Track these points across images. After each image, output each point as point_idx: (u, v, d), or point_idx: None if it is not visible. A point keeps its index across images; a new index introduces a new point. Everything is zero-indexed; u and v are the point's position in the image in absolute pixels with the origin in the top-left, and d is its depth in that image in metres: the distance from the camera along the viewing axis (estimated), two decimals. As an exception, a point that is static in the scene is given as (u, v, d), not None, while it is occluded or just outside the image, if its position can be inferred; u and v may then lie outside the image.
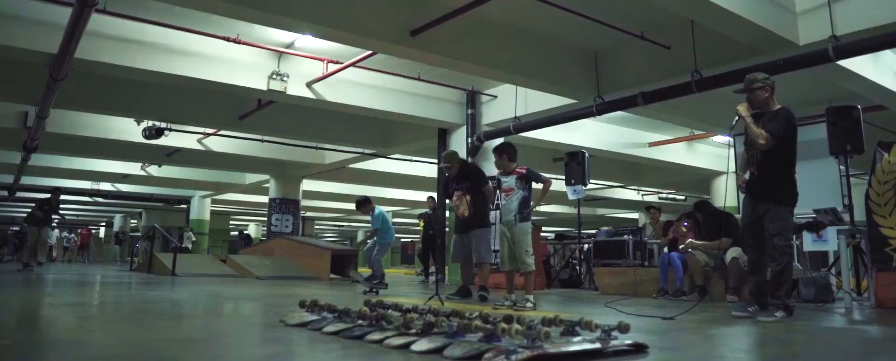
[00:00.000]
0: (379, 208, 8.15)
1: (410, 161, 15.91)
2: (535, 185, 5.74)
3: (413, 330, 2.79)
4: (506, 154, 5.77)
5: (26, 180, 18.92)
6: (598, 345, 2.47)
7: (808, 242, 5.81)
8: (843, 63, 7.23)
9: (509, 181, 5.65)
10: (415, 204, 24.06)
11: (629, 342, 2.58)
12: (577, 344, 2.44)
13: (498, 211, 6.23)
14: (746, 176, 4.62)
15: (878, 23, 6.46)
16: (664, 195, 21.92)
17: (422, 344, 2.54)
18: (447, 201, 6.86)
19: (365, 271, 8.68)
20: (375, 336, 2.80)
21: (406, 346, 2.58)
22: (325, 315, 3.47)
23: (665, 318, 4.18)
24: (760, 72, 4.73)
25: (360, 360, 2.46)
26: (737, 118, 4.52)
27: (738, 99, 4.69)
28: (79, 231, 26.18)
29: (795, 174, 4.49)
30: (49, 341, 3.03)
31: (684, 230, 7.27)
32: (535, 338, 2.31)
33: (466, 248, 6.51)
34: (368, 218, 8.31)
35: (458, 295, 6.53)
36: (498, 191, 5.91)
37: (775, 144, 4.32)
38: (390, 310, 3.25)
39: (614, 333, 2.55)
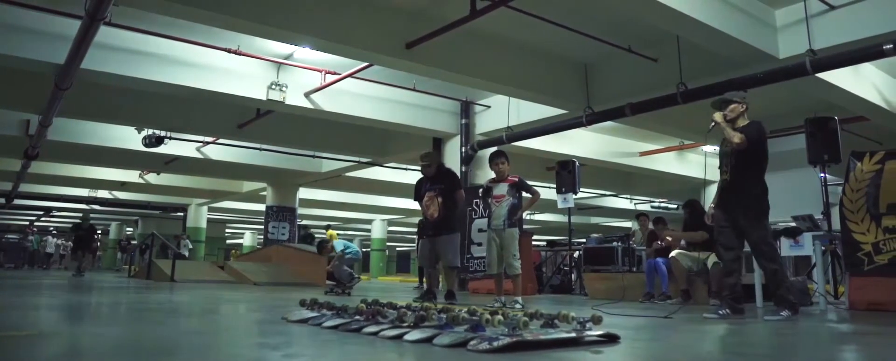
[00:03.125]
0: (337, 243, 8.73)
1: (406, 169, 16.17)
2: (524, 194, 6.00)
3: (406, 323, 3.03)
4: (508, 160, 6.03)
5: (24, 187, 19.09)
6: (573, 335, 2.72)
7: (786, 247, 6.06)
8: (824, 76, 7.55)
9: (501, 188, 5.90)
10: (410, 212, 24.29)
11: (602, 332, 2.83)
12: (555, 334, 2.69)
13: (487, 217, 6.39)
14: (711, 205, 4.96)
15: (852, 38, 6.78)
16: (657, 203, 22.19)
17: (414, 335, 2.78)
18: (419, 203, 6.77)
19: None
20: (372, 328, 3.04)
21: (399, 337, 2.82)
22: (325, 312, 3.70)
23: (665, 316, 4.46)
24: (738, 89, 5.04)
25: (358, 348, 2.70)
26: (712, 124, 4.80)
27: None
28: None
29: (766, 185, 4.73)
30: (68, 332, 3.26)
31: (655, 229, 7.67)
32: (516, 327, 2.55)
33: (434, 252, 6.50)
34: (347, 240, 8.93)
35: (423, 298, 6.39)
36: (489, 199, 6.08)
37: (748, 147, 4.61)
38: (386, 308, 3.49)
39: (589, 325, 2.80)
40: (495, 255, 5.85)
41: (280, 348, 2.74)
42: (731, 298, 4.73)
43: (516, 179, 5.93)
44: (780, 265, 4.68)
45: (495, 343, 2.42)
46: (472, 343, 2.51)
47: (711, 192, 15.40)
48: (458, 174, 10.77)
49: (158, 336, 3.11)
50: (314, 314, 3.70)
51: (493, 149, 8.35)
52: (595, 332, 2.80)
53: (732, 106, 4.80)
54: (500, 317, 2.67)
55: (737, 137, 4.62)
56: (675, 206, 22.01)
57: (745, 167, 4.71)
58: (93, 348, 2.73)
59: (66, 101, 9.02)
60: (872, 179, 5.87)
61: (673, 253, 7.07)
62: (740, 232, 4.72)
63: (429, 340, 2.68)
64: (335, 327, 3.26)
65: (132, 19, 7.77)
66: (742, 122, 4.79)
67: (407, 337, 2.78)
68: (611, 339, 2.82)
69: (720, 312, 4.66)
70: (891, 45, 6.23)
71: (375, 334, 2.95)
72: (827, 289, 6.44)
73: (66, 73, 7.67)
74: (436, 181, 6.59)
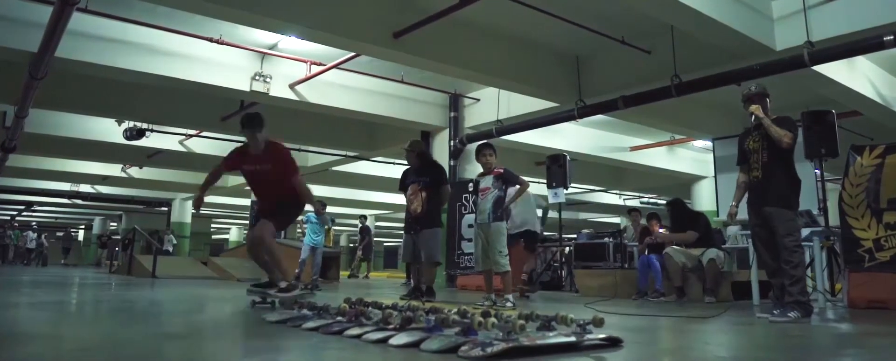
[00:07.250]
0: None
1: (393, 164, 15.92)
2: (511, 188, 5.76)
3: (392, 326, 2.82)
4: (495, 152, 5.76)
5: (2, 182, 18.66)
6: (573, 339, 2.51)
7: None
8: (819, 69, 7.40)
9: (487, 180, 5.66)
10: (397, 207, 24.02)
11: (604, 335, 2.63)
12: (553, 338, 2.49)
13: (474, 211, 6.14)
14: (733, 204, 4.76)
15: (851, 29, 6.62)
16: (646, 199, 22.10)
17: (400, 339, 2.57)
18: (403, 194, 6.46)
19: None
20: (354, 331, 2.83)
21: (384, 340, 2.61)
22: (305, 312, 3.49)
23: (675, 316, 4.24)
24: (753, 81, 4.81)
25: (338, 354, 2.48)
26: (754, 117, 4.56)
27: (728, 104, 4.81)
28: None
29: (799, 179, 4.55)
30: (41, 334, 3.03)
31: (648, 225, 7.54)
32: (511, 331, 2.35)
33: (417, 247, 6.28)
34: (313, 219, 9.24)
35: (410, 295, 6.26)
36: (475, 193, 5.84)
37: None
38: (370, 308, 3.28)
39: (589, 327, 2.60)
40: (481, 251, 5.62)
41: (260, 352, 2.53)
42: (780, 297, 4.37)
43: (501, 170, 5.68)
44: (802, 263, 4.37)
45: (489, 350, 2.21)
46: (463, 348, 2.31)
47: (702, 188, 15.38)
48: (446, 168, 10.60)
49: (132, 338, 2.88)
50: (294, 314, 3.49)
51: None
52: (596, 336, 2.60)
53: (766, 100, 4.64)
54: (493, 320, 2.47)
55: (787, 137, 4.39)
56: (664, 202, 21.93)
57: (779, 162, 4.49)
58: (66, 351, 2.51)
59: (42, 92, 8.68)
60: (873, 174, 5.71)
61: (667, 250, 6.91)
62: (773, 229, 4.43)
63: (416, 344, 2.48)
64: (316, 329, 3.05)
65: (109, 6, 7.48)
66: (771, 116, 4.61)
67: (392, 341, 2.57)
68: (613, 343, 2.62)
69: (791, 314, 4.17)
70: (891, 37, 6.07)
71: (358, 337, 2.74)
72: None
73: (40, 62, 7.35)
74: (421, 173, 6.37)
